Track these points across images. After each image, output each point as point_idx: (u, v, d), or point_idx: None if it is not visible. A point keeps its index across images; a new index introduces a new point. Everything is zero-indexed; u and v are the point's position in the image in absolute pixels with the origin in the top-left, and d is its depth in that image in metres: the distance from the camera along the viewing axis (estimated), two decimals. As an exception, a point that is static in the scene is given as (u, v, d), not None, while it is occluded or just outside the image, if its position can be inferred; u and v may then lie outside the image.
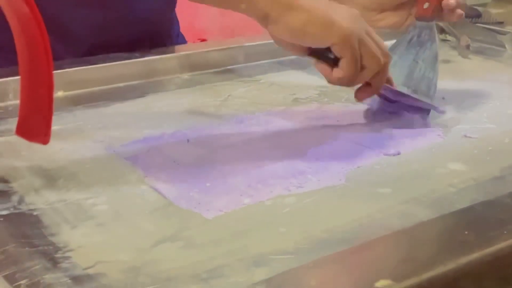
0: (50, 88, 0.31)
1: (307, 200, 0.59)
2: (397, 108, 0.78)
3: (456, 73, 0.98)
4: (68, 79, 0.82)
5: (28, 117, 0.32)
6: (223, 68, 0.94)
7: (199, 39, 1.26)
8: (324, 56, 0.69)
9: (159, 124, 0.75)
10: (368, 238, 0.50)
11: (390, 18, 0.84)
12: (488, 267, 0.47)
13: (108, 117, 0.77)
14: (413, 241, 0.50)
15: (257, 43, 1.00)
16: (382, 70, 0.70)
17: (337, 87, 0.86)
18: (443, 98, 0.85)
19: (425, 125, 0.76)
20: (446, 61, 1.04)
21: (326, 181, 0.63)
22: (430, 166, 0.66)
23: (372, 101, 0.79)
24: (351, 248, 0.49)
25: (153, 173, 0.63)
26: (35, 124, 0.32)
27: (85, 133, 0.72)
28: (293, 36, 0.68)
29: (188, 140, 0.71)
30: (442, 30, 1.15)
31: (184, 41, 1.07)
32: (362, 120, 0.78)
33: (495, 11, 1.31)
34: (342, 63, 0.68)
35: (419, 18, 0.81)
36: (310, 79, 0.91)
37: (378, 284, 0.43)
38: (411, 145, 0.71)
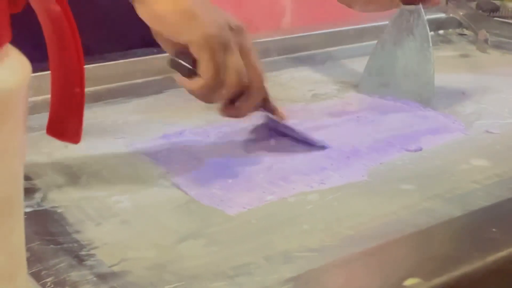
0: (82, 87, 0.31)
1: (330, 196, 0.59)
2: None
3: (475, 67, 0.98)
4: (87, 76, 0.82)
5: (60, 117, 0.32)
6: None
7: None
8: (184, 66, 0.63)
9: (179, 121, 0.75)
10: (394, 235, 0.50)
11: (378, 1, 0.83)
12: (516, 264, 0.47)
13: (128, 113, 0.77)
14: (441, 239, 0.49)
15: (275, 38, 0.99)
16: (249, 92, 0.64)
17: (354, 83, 0.87)
18: (463, 93, 0.84)
19: (447, 120, 0.76)
20: (465, 56, 1.03)
21: (348, 177, 0.62)
22: (452, 162, 0.66)
23: None
24: (378, 245, 0.48)
25: (174, 170, 0.63)
26: (67, 123, 0.32)
27: (106, 129, 0.72)
28: (153, 22, 0.62)
29: (208, 136, 0.71)
30: (459, 24, 1.15)
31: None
32: (382, 115, 0.78)
33: (512, 5, 1.30)
34: (199, 67, 0.62)
35: (406, 2, 0.81)
36: (329, 75, 0.91)
37: (406, 282, 0.43)
38: (433, 141, 0.70)
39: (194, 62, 0.62)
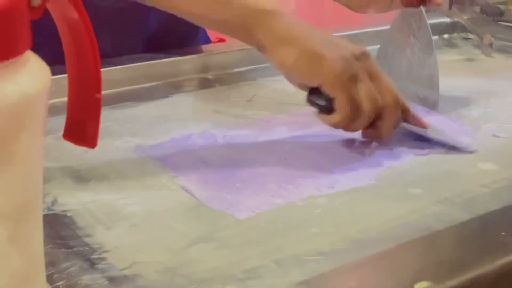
0: (98, 91, 0.32)
1: (338, 200, 0.59)
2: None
3: (480, 71, 0.98)
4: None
5: (77, 122, 0.32)
6: (247, 68, 0.94)
7: (217, 39, 1.25)
8: (320, 105, 0.67)
9: (186, 125, 0.75)
10: (404, 239, 0.50)
11: (377, 2, 0.82)
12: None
13: (135, 117, 0.77)
14: (450, 243, 0.50)
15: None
16: (386, 112, 0.66)
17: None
18: (469, 98, 0.84)
19: (454, 124, 0.76)
20: (470, 60, 1.04)
21: (356, 181, 0.62)
22: (460, 166, 0.66)
23: None
24: (388, 249, 0.48)
25: (183, 174, 0.63)
26: (84, 128, 0.33)
27: (114, 133, 0.73)
28: (284, 70, 0.67)
29: (216, 140, 0.71)
30: (464, 29, 1.15)
31: (208, 41, 1.07)
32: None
33: (516, 9, 1.30)
34: (335, 104, 0.65)
35: (406, 5, 0.81)
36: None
37: (417, 285, 0.43)
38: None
39: (328, 98, 0.66)
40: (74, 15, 0.30)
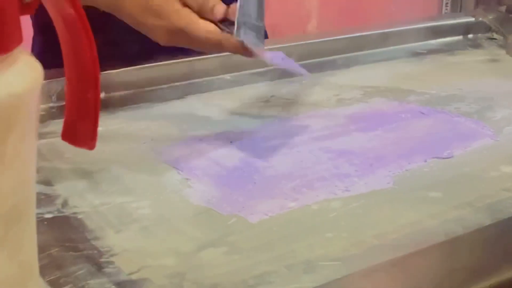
0: (96, 92, 0.30)
1: (354, 204, 0.57)
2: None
3: (504, 72, 0.95)
4: (110, 81, 0.82)
5: (74, 121, 0.31)
6: (265, 69, 0.92)
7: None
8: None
9: (202, 126, 0.74)
10: (421, 245, 0.48)
11: None
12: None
13: (151, 119, 0.76)
14: (470, 249, 0.48)
15: (298, 43, 0.98)
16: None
17: (380, 88, 0.85)
18: (493, 99, 0.82)
19: (476, 126, 0.74)
20: (494, 60, 1.01)
21: (373, 184, 0.61)
22: (482, 169, 0.64)
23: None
24: (405, 255, 0.47)
25: (196, 176, 0.62)
26: (81, 129, 0.32)
27: (128, 135, 0.72)
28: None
29: (231, 142, 0.70)
30: (489, 29, 1.12)
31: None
32: (409, 121, 0.76)
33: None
34: None
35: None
36: (354, 79, 0.90)
37: (434, 293, 0.41)
38: (461, 147, 0.68)
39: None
40: (70, 11, 0.29)
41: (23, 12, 0.27)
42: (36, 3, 0.27)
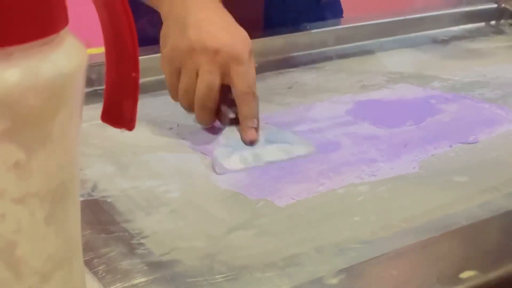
0: (136, 73, 0.31)
1: (380, 188, 0.58)
2: None
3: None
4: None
5: (114, 103, 0.32)
6: (288, 55, 0.93)
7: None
8: None
9: (226, 112, 0.74)
10: (448, 228, 0.49)
11: None
12: None
13: (175, 105, 0.77)
14: (496, 232, 0.48)
15: (322, 30, 0.98)
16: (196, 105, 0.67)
17: (405, 74, 0.85)
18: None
19: (501, 111, 0.74)
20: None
21: (399, 169, 0.61)
22: (508, 154, 0.64)
23: None
24: (433, 237, 0.47)
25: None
26: (121, 110, 0.32)
27: (154, 121, 0.73)
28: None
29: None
30: (511, 15, 1.12)
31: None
32: (433, 106, 0.76)
33: None
34: None
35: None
36: (378, 66, 0.90)
37: (462, 275, 0.42)
38: (486, 132, 0.68)
39: None
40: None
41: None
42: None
